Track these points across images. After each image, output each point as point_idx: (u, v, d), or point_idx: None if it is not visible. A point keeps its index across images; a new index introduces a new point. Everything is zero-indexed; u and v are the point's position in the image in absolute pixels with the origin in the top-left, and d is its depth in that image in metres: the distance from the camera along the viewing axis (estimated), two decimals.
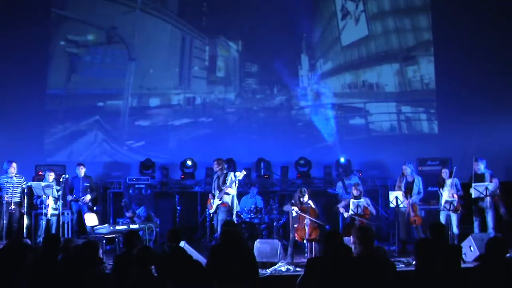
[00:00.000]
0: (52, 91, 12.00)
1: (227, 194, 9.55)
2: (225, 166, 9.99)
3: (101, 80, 12.10)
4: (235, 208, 9.65)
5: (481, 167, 9.78)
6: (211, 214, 9.90)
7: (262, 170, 11.84)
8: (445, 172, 9.89)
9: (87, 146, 12.14)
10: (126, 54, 12.15)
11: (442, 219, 9.59)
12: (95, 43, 12.20)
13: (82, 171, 10.65)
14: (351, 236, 5.66)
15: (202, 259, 6.87)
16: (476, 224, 9.82)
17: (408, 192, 9.89)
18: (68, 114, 12.06)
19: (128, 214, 10.58)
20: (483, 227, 9.72)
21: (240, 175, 9.67)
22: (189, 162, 11.82)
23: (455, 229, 9.55)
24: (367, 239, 5.40)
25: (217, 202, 9.60)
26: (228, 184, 9.50)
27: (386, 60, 12.77)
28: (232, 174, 9.69)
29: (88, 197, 10.47)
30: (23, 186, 10.06)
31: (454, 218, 9.55)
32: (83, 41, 12.09)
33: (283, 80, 12.75)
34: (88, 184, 10.64)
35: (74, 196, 10.46)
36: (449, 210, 9.47)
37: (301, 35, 12.84)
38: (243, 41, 12.75)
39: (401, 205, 9.72)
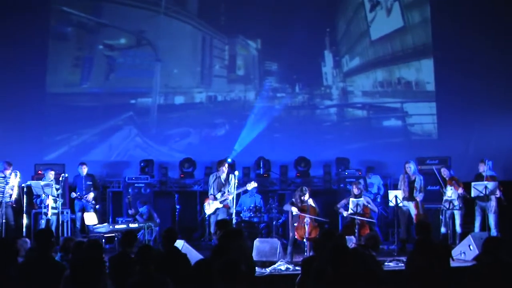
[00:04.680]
0: (93, 90, 12.58)
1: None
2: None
3: (132, 79, 12.66)
4: (234, 208, 9.65)
5: (486, 168, 9.78)
6: (207, 215, 9.90)
7: (261, 169, 11.82)
8: (445, 171, 9.90)
9: (122, 140, 12.52)
10: (153, 55, 12.66)
11: (446, 217, 9.62)
12: (127, 46, 12.80)
13: (84, 170, 10.75)
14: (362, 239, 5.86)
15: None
16: (477, 224, 9.80)
17: (411, 191, 9.87)
18: (106, 111, 12.54)
19: (131, 212, 10.62)
20: (484, 227, 9.72)
21: (250, 186, 9.73)
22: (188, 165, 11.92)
23: (458, 228, 9.56)
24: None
25: (217, 205, 9.60)
26: (232, 190, 9.51)
27: (425, 55, 12.27)
28: (232, 176, 9.68)
29: (91, 195, 10.57)
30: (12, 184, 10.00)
31: (457, 216, 9.57)
32: (117, 44, 12.72)
33: (304, 78, 12.58)
34: (90, 183, 10.73)
35: (78, 194, 10.50)
36: (448, 208, 9.48)
37: (324, 30, 12.58)
38: (262, 39, 12.71)
39: (400, 204, 9.73)
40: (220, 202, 9.58)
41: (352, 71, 12.58)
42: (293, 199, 9.04)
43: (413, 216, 9.84)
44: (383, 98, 12.43)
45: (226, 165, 9.82)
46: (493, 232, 9.40)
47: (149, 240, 9.87)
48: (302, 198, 8.83)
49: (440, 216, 9.69)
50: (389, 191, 10.25)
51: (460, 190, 9.58)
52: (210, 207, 9.69)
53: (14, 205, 9.89)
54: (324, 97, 12.64)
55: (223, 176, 9.72)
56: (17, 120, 12.11)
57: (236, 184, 9.55)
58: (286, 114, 12.65)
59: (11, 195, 9.89)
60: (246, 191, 10.54)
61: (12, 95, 12.12)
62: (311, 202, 8.91)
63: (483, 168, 9.79)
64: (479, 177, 9.80)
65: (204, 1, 12.81)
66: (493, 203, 9.55)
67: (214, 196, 9.66)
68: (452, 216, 9.65)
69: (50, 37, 12.48)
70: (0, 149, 11.47)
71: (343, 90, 12.58)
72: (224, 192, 9.59)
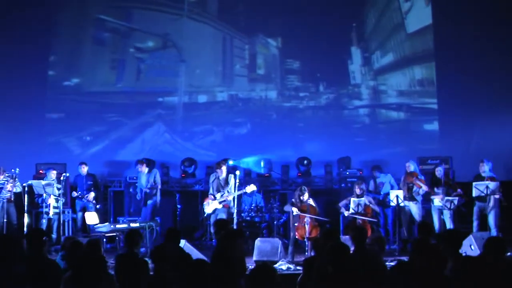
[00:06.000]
0: (126, 89, 12.98)
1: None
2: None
3: (160, 79, 13.03)
4: (234, 207, 9.64)
5: (486, 168, 9.74)
6: (206, 214, 9.89)
7: (263, 169, 11.80)
8: (438, 171, 9.85)
9: (153, 136, 12.79)
10: (178, 56, 12.95)
11: (436, 217, 9.59)
12: (154, 49, 13.15)
13: (84, 169, 10.79)
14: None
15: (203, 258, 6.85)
16: (475, 224, 9.77)
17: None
18: (138, 108, 12.91)
19: (139, 197, 10.63)
20: (483, 227, 9.70)
21: (249, 189, 9.71)
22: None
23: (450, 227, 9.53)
24: (361, 238, 5.64)
25: (216, 205, 9.59)
26: (232, 190, 9.52)
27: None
28: (232, 176, 9.68)
29: (92, 195, 10.60)
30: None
31: (448, 217, 9.52)
32: (145, 47, 13.12)
33: (329, 77, 12.31)
34: (91, 183, 10.77)
35: (80, 193, 10.52)
36: (449, 208, 9.44)
37: (350, 25, 12.14)
38: (283, 37, 12.58)
39: (402, 204, 9.71)
40: (219, 203, 9.58)
41: (384, 69, 12.04)
42: (293, 199, 9.06)
43: (414, 216, 9.82)
44: (422, 99, 11.93)
45: (224, 167, 9.80)
46: (493, 232, 9.36)
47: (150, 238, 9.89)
48: (301, 198, 8.85)
49: (434, 216, 9.67)
50: (390, 190, 10.22)
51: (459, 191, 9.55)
52: (209, 206, 9.70)
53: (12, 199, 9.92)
54: (352, 97, 12.23)
55: (222, 176, 9.73)
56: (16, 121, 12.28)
57: (237, 184, 9.55)
58: (311, 114, 12.45)
59: (14, 193, 9.92)
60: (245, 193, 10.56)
61: (16, 93, 12.33)
62: (311, 201, 8.93)
63: (483, 169, 9.74)
64: (478, 178, 9.76)
65: (223, 2, 12.91)
66: (491, 203, 9.51)
67: (214, 196, 9.67)
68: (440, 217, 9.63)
69: (90, 43, 13.04)
70: (12, 149, 11.77)
71: (374, 89, 12.13)
72: (224, 193, 9.59)
